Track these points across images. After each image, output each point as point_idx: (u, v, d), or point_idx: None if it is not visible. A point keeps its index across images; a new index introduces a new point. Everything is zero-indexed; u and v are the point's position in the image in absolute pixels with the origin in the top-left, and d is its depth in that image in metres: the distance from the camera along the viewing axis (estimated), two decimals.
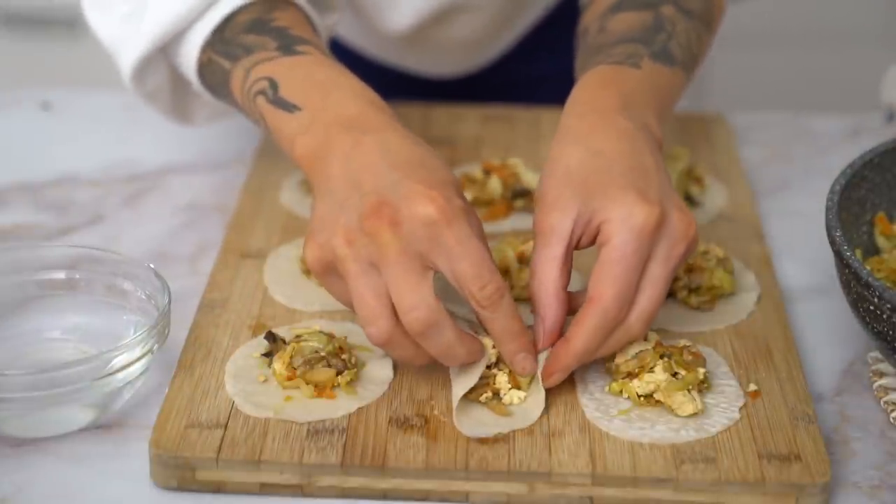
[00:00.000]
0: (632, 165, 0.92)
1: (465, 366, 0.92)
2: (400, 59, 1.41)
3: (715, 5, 1.12)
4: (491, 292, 0.88)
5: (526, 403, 0.92)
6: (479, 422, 0.91)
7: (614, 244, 0.89)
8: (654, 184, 0.91)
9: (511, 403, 0.92)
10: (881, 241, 1.04)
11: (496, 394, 0.92)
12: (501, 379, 0.92)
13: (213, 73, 1.05)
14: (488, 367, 0.92)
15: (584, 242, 0.92)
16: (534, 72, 1.44)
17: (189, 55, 1.06)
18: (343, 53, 1.40)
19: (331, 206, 0.90)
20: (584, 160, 0.92)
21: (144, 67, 1.11)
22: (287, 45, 1.01)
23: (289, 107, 0.97)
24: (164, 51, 1.10)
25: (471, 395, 0.92)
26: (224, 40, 1.04)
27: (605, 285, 0.89)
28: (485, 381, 0.92)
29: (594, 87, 0.99)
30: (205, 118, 1.19)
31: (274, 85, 0.99)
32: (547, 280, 0.91)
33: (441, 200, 0.87)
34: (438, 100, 1.39)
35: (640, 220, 0.89)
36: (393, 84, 1.40)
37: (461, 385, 0.91)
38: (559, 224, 0.91)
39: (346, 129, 0.93)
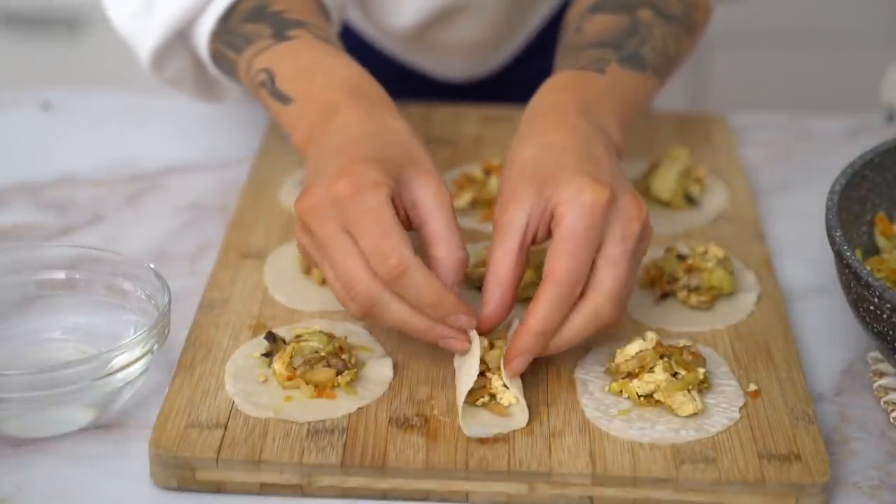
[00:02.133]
0: (583, 153, 0.93)
1: (463, 361, 0.92)
2: (410, 57, 1.41)
3: (699, 8, 1.12)
4: (393, 265, 0.88)
5: (521, 404, 0.92)
6: (480, 422, 0.91)
7: (566, 223, 0.90)
8: (604, 170, 0.92)
9: (509, 405, 0.92)
10: (881, 241, 1.04)
11: (493, 396, 0.93)
12: (497, 383, 0.92)
13: (223, 64, 1.08)
14: (482, 373, 0.92)
15: (541, 235, 0.92)
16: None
17: (201, 45, 1.10)
18: (360, 47, 1.40)
19: (299, 195, 0.93)
20: (537, 154, 0.93)
21: (161, 56, 1.13)
22: (280, 31, 1.03)
23: (284, 99, 1.00)
24: (183, 37, 1.12)
25: (470, 399, 0.92)
26: (228, 30, 1.06)
27: (557, 262, 0.89)
28: (482, 385, 0.92)
29: (556, 91, 1.00)
30: (236, 96, 1.21)
31: (271, 76, 1.01)
32: (499, 273, 0.91)
33: (354, 176, 0.89)
34: (449, 100, 1.39)
35: (591, 198, 0.90)
36: (406, 82, 1.40)
37: (463, 383, 0.91)
38: (515, 218, 0.91)
39: (322, 117, 0.96)
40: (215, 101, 1.21)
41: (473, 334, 0.92)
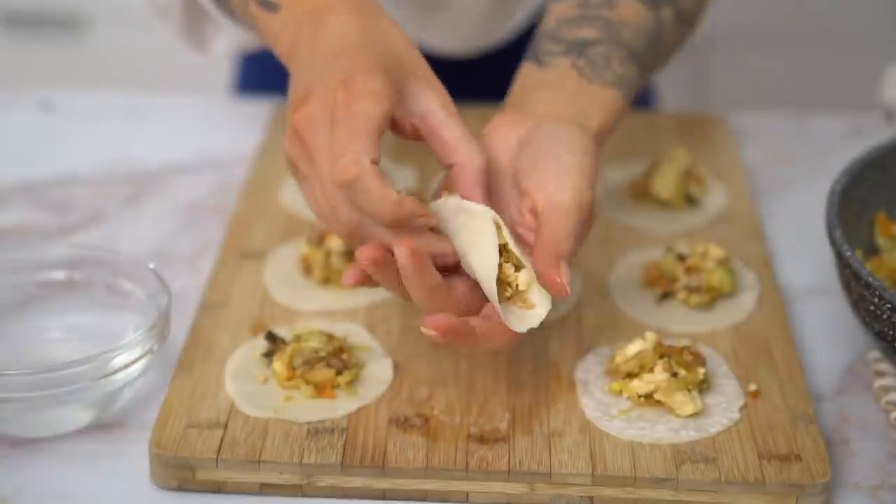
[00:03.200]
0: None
1: (472, 243, 0.88)
2: (418, 30, 1.38)
3: (703, 7, 1.10)
4: (341, 167, 0.84)
5: (539, 290, 0.88)
6: (517, 317, 0.87)
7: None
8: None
9: (528, 293, 0.88)
10: (881, 241, 1.04)
11: (510, 286, 0.88)
12: (509, 271, 0.88)
13: None
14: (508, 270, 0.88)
15: None
16: None
17: None
18: None
19: (289, 104, 0.90)
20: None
21: None
22: None
23: (272, 6, 0.95)
24: None
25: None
26: None
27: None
28: (507, 281, 0.88)
29: (558, 100, 0.98)
30: (223, 50, 1.16)
31: None
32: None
33: (354, 85, 0.85)
34: (451, 87, 1.38)
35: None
36: None
37: (486, 274, 0.87)
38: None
39: (312, 19, 0.91)
40: (203, 52, 1.15)
41: (484, 210, 0.88)
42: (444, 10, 1.35)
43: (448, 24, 1.36)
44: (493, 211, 0.88)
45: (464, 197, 0.89)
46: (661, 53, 1.03)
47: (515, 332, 0.86)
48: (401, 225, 0.85)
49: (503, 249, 0.87)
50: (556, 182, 0.89)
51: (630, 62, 0.99)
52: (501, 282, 0.87)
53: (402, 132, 0.90)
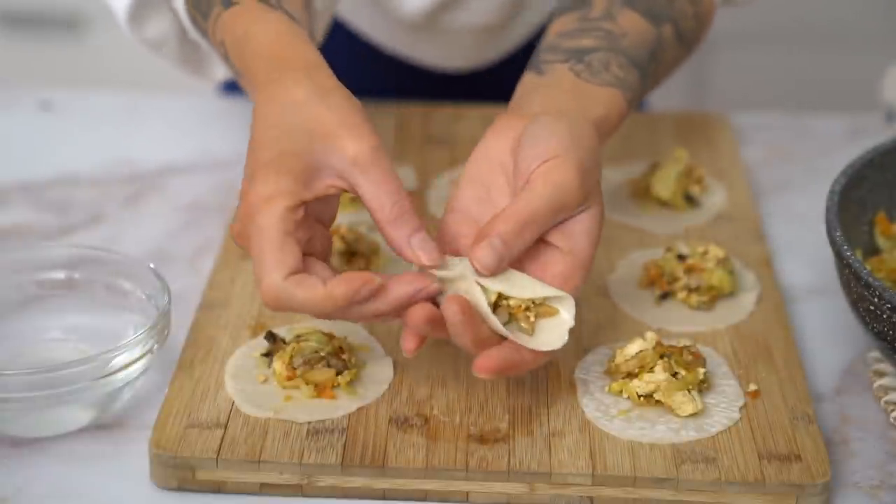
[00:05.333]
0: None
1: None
2: (413, 49, 1.39)
3: (704, 26, 1.10)
4: (265, 297, 0.83)
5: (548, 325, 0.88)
6: (548, 332, 0.88)
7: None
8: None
9: (530, 312, 0.88)
10: (881, 241, 1.04)
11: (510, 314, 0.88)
12: (509, 300, 0.88)
13: (200, 32, 1.03)
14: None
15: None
16: None
17: (180, 9, 1.05)
18: (357, 45, 1.39)
19: None
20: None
21: (139, 12, 1.09)
22: None
23: (237, 73, 0.95)
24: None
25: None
26: None
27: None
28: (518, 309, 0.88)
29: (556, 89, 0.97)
30: (223, 76, 1.15)
31: (225, 48, 0.96)
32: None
33: (248, 197, 0.85)
34: (451, 96, 1.38)
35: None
36: (407, 78, 1.40)
37: (484, 312, 0.86)
38: None
39: (252, 95, 0.91)
40: (203, 76, 1.15)
41: (448, 262, 0.87)
42: (437, 34, 1.35)
43: (442, 46, 1.37)
44: (467, 271, 0.86)
45: (391, 242, 0.86)
46: (661, 67, 1.03)
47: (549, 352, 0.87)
48: (351, 306, 0.84)
49: (499, 299, 0.87)
50: (540, 168, 0.89)
51: (630, 66, 0.99)
52: (514, 313, 0.88)
53: (335, 196, 0.88)
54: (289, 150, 0.87)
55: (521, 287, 0.87)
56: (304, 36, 0.93)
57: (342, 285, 0.83)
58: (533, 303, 0.88)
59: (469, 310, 0.85)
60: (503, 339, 0.87)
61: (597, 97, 0.96)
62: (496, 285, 0.87)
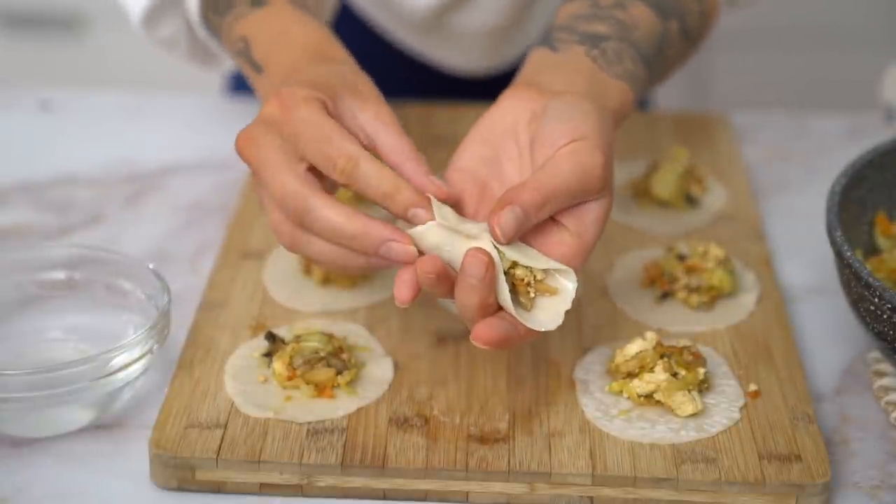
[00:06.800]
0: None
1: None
2: (424, 47, 1.39)
3: (708, 26, 1.10)
4: (343, 165, 0.86)
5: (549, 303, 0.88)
6: (549, 314, 0.87)
7: None
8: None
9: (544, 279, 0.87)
10: (881, 241, 1.04)
11: (523, 283, 0.87)
12: (520, 271, 0.87)
13: (210, 27, 1.07)
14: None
15: None
16: None
17: (192, 10, 1.08)
18: (371, 41, 1.39)
19: None
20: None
21: (153, 15, 1.13)
22: None
23: (258, 68, 0.98)
24: (177, 1, 1.12)
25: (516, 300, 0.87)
26: None
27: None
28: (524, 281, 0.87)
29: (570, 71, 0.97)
30: (231, 66, 1.20)
31: (247, 45, 1.00)
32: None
33: (282, 96, 0.88)
34: (464, 97, 1.38)
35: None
36: (418, 76, 1.39)
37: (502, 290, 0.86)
38: None
39: (284, 83, 0.93)
40: (211, 67, 1.20)
41: (479, 232, 0.86)
42: (447, 35, 1.35)
43: (455, 47, 1.37)
44: (483, 235, 0.86)
45: (411, 177, 0.88)
46: (666, 64, 1.03)
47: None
48: (401, 211, 0.86)
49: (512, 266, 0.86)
50: (568, 146, 0.88)
51: (640, 61, 0.99)
52: (516, 285, 0.87)
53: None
54: (323, 81, 0.90)
55: (534, 258, 0.87)
56: (338, 42, 0.98)
57: (412, 188, 0.86)
58: (535, 278, 0.87)
59: (493, 267, 0.84)
60: (499, 308, 0.86)
61: (611, 89, 0.96)
62: (512, 254, 0.86)
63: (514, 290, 0.86)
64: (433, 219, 0.86)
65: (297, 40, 0.97)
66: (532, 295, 0.86)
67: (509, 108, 0.92)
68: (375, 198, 0.86)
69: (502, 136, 0.91)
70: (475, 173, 0.91)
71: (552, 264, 0.86)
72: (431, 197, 0.87)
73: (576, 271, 0.87)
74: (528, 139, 0.90)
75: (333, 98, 0.90)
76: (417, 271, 0.85)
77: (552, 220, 0.88)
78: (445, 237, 0.86)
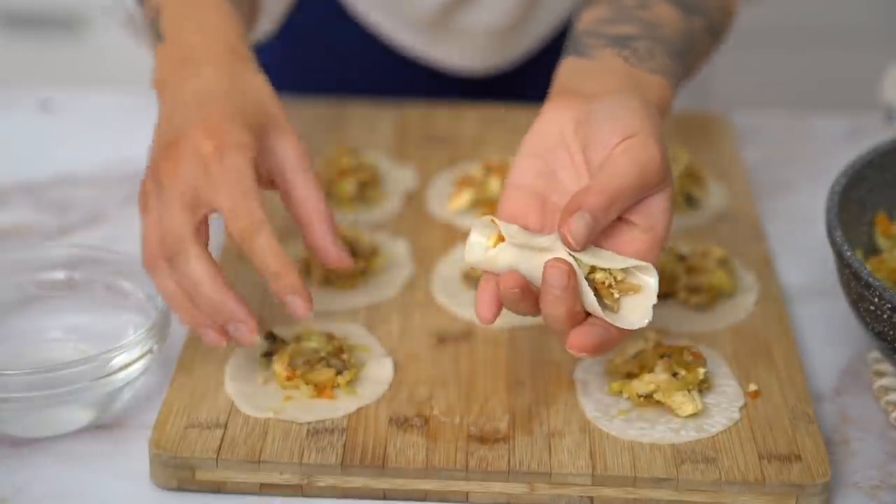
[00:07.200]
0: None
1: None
2: (428, 48, 1.39)
3: (727, 24, 1.10)
4: (244, 226, 0.88)
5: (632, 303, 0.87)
6: (637, 313, 0.87)
7: None
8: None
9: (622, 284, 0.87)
10: (881, 241, 1.04)
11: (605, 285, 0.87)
12: (600, 275, 0.86)
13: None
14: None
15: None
16: None
17: None
18: (371, 43, 1.39)
19: (155, 141, 0.94)
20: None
21: None
22: None
23: (160, 37, 0.99)
24: None
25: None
26: None
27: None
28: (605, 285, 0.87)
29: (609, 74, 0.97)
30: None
31: (158, 13, 1.00)
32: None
33: (215, 131, 0.89)
34: (466, 97, 1.38)
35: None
36: (421, 77, 1.39)
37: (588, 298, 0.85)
38: None
39: (182, 64, 0.96)
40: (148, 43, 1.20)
41: (551, 244, 0.86)
42: (451, 33, 1.35)
43: (456, 46, 1.37)
44: (555, 245, 0.86)
45: (319, 240, 0.93)
46: (695, 59, 1.03)
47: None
48: (280, 290, 0.90)
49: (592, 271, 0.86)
50: (622, 145, 0.88)
51: (673, 57, 0.98)
52: (598, 289, 0.87)
53: (258, 182, 0.91)
54: (251, 116, 0.92)
55: (610, 259, 0.86)
56: (247, 41, 0.99)
57: (298, 278, 0.90)
58: (616, 279, 0.86)
59: (574, 276, 0.84)
60: (587, 315, 0.86)
61: (648, 83, 0.96)
62: (588, 259, 0.86)
63: (597, 294, 0.86)
64: (310, 309, 0.90)
65: (209, 27, 0.98)
66: (616, 296, 0.86)
67: (553, 119, 0.91)
68: (260, 271, 0.89)
69: (552, 148, 0.91)
70: (532, 188, 0.90)
71: (630, 262, 0.86)
72: (495, 219, 0.88)
73: (654, 265, 0.87)
74: (578, 146, 0.90)
75: (260, 136, 0.92)
76: (500, 288, 0.85)
77: (620, 219, 0.88)
78: (518, 255, 0.86)
